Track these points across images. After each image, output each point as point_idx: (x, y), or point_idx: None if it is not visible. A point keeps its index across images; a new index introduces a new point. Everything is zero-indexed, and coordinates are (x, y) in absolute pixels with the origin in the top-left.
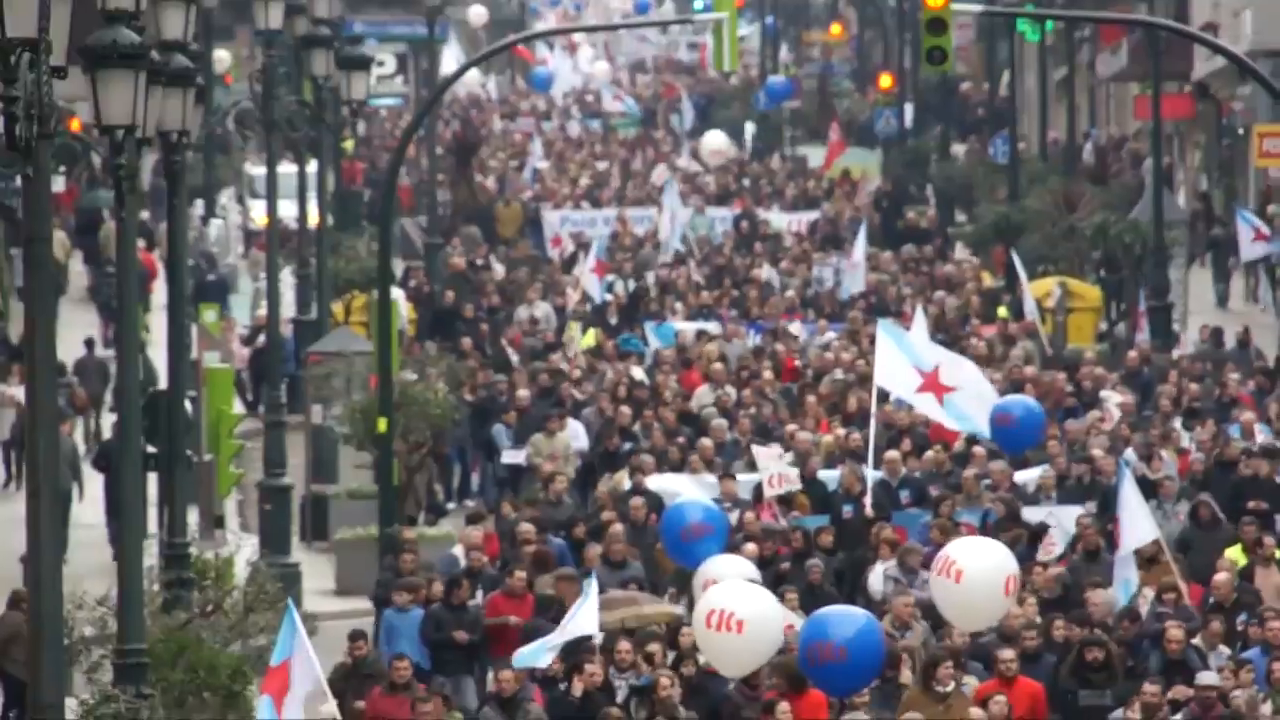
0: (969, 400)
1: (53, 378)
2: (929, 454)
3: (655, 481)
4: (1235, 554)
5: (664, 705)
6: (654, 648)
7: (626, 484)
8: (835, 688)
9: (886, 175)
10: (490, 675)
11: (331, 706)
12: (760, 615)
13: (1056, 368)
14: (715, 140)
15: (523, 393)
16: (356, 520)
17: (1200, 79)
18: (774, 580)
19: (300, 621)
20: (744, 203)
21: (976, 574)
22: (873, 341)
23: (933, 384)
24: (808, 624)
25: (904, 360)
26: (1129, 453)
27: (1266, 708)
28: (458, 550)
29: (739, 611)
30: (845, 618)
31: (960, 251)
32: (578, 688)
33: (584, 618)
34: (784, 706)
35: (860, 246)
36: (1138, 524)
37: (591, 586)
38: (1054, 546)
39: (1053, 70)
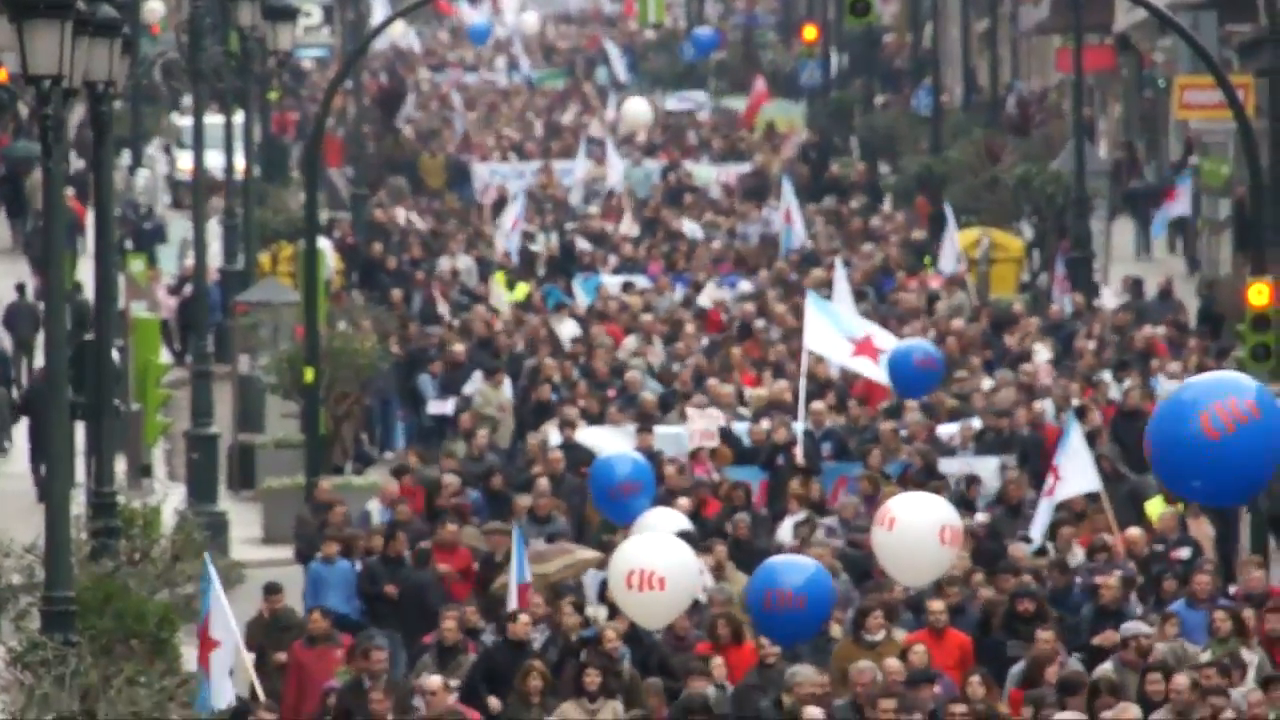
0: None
1: None
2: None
3: (577, 434)
4: (1155, 506)
5: (609, 658)
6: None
7: (555, 437)
8: (791, 635)
9: (812, 127)
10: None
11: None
12: (679, 568)
13: (983, 319)
14: (637, 110)
15: (458, 346)
16: (283, 470)
17: (1121, 31)
18: (704, 534)
19: (215, 574)
20: (670, 155)
21: (909, 525)
22: (802, 293)
23: (866, 348)
24: (758, 574)
25: (834, 330)
26: (1075, 402)
27: (1206, 656)
28: (373, 505)
29: (659, 569)
30: (794, 566)
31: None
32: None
33: (517, 570)
34: (718, 661)
35: (788, 200)
36: (1081, 473)
37: (519, 538)
38: None
39: (975, 22)
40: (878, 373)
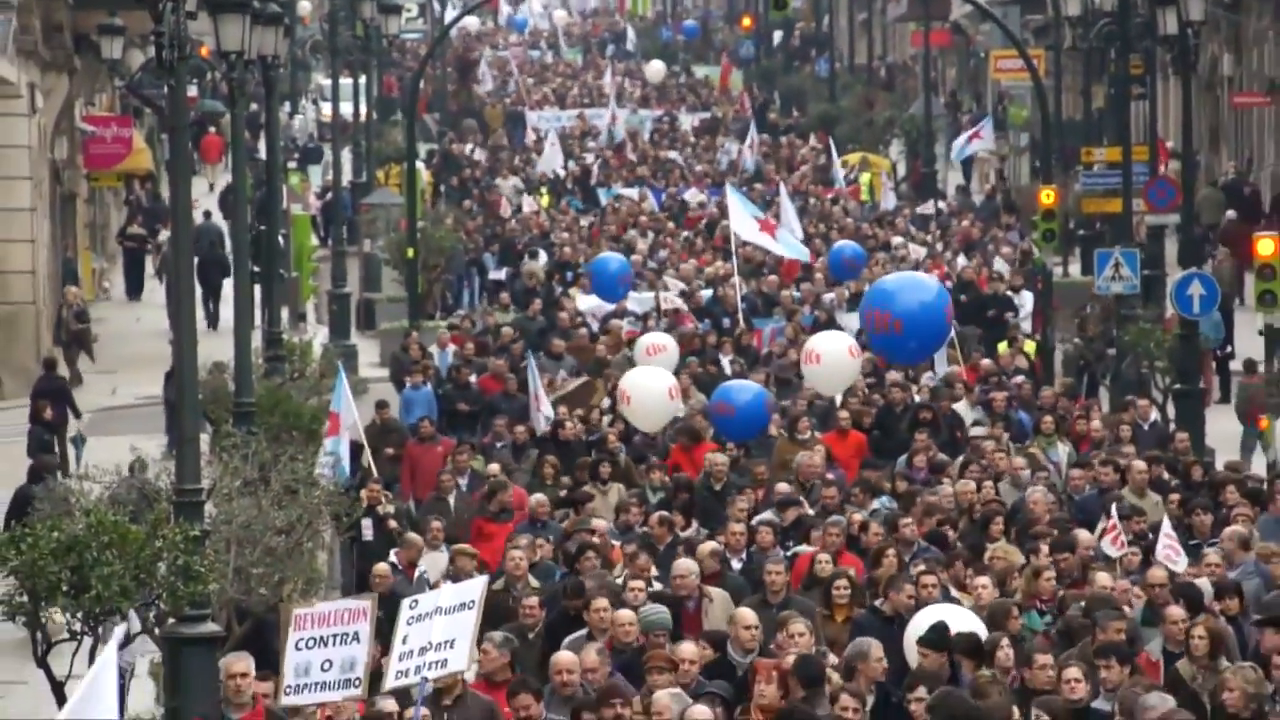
0: (790, 235)
1: (189, 220)
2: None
3: (586, 301)
4: (1003, 346)
5: (611, 453)
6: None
7: (581, 301)
8: (740, 435)
9: (747, 86)
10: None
11: (358, 434)
12: (654, 392)
13: (870, 220)
14: (657, 66)
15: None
16: (394, 317)
17: (955, 19)
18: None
19: (346, 382)
20: (664, 105)
21: (826, 351)
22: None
23: (767, 226)
24: (715, 393)
25: (745, 213)
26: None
27: (1033, 449)
28: (433, 348)
29: (630, 390)
30: (742, 386)
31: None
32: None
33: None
34: (680, 454)
35: (752, 136)
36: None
37: (533, 366)
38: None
39: (857, 13)
40: (774, 245)
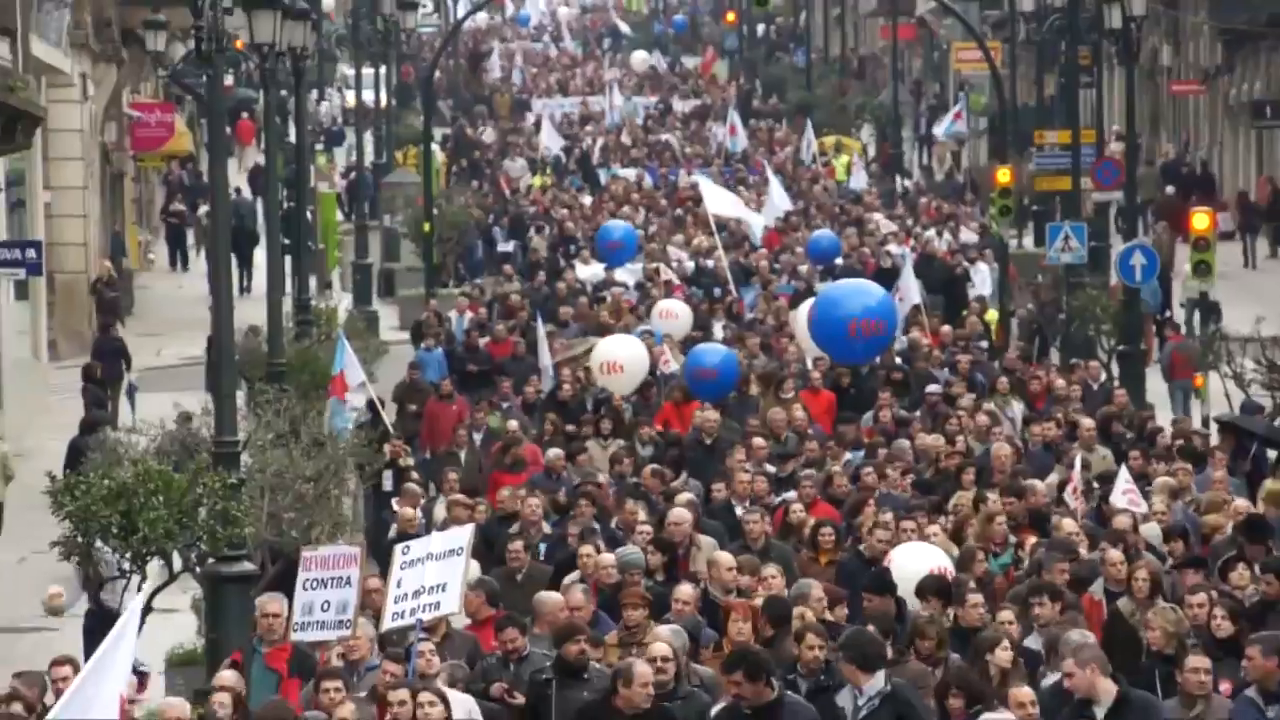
0: (773, 205)
1: (226, 196)
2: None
3: (586, 271)
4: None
5: (617, 410)
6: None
7: (581, 270)
8: (713, 395)
9: (733, 74)
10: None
11: (369, 392)
12: (635, 358)
13: (845, 198)
14: (640, 56)
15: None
16: (412, 285)
17: (920, 14)
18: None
19: (349, 346)
20: (657, 93)
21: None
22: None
23: (741, 199)
24: (688, 356)
25: (722, 193)
26: (899, 249)
27: (990, 405)
28: (452, 314)
29: (620, 358)
30: (711, 349)
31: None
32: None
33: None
34: (671, 411)
35: (733, 119)
36: (912, 291)
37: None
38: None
39: (831, 8)
40: (751, 216)
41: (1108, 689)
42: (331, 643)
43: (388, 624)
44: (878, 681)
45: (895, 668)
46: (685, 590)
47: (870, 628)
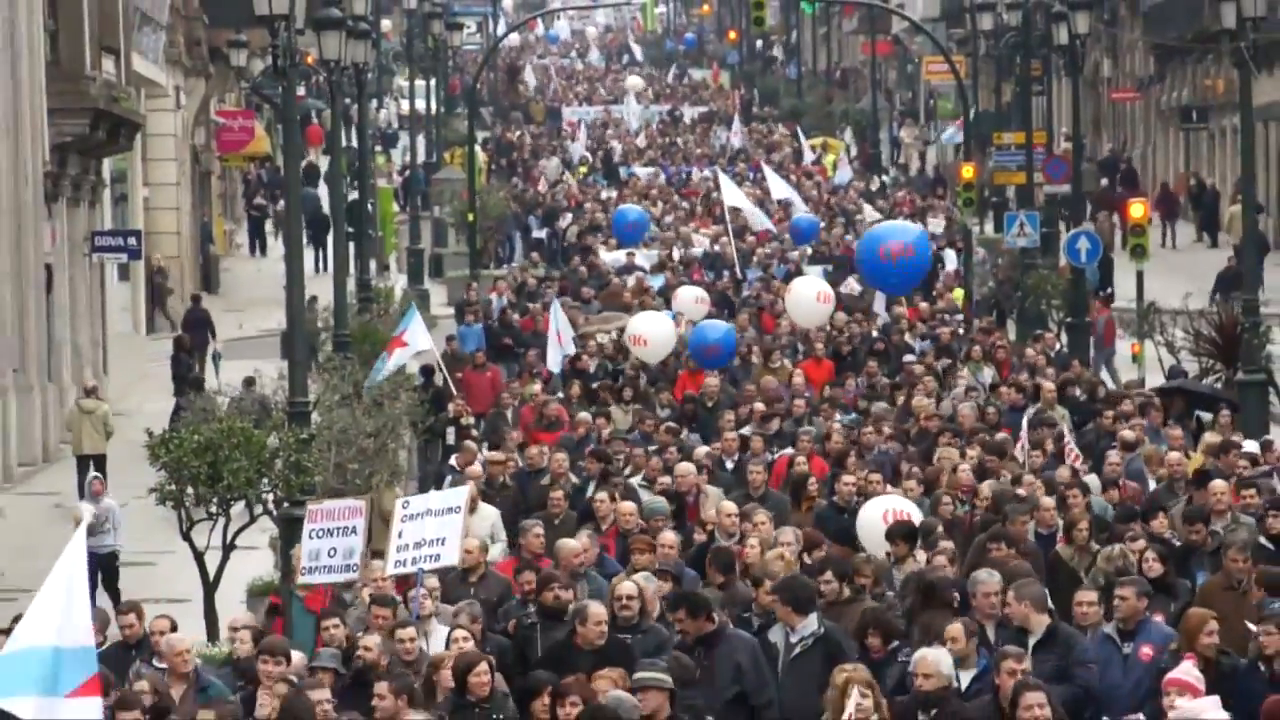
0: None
1: (299, 191)
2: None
3: (609, 255)
4: (957, 294)
5: (635, 378)
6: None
7: (605, 256)
8: (714, 365)
9: (735, 85)
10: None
11: (434, 357)
12: (661, 334)
13: (830, 193)
14: (634, 80)
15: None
16: (458, 266)
17: (895, 33)
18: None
19: (419, 315)
20: (671, 101)
21: (800, 296)
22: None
23: (750, 196)
24: (693, 331)
25: (737, 189)
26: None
27: (965, 372)
28: (492, 296)
29: (644, 333)
30: (713, 325)
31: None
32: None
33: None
34: (687, 379)
35: (738, 126)
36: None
37: (557, 308)
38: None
39: (819, 28)
40: (754, 209)
41: (1040, 621)
42: (339, 584)
43: (390, 570)
44: (810, 623)
45: (850, 607)
46: (668, 536)
47: (828, 572)
